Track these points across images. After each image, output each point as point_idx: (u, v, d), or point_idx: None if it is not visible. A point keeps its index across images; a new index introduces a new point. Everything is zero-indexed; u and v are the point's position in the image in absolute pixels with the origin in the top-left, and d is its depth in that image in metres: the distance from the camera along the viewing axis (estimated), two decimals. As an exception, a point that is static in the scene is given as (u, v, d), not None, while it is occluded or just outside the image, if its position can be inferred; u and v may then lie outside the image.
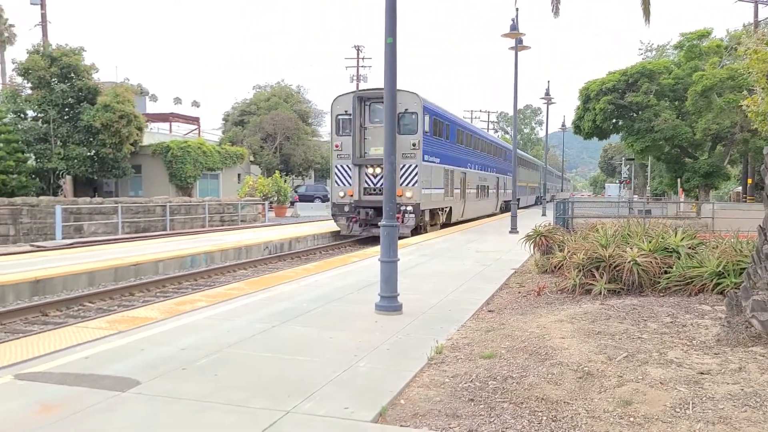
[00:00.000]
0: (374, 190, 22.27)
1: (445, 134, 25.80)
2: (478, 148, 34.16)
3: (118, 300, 11.83)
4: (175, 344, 6.54)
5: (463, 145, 29.71)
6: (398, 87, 18.28)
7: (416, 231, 22.69)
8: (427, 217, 23.44)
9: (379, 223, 8.47)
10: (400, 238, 19.06)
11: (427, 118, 22.46)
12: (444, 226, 26.40)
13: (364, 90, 23.23)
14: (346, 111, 22.46)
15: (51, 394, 4.97)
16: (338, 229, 23.32)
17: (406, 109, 21.80)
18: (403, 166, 21.89)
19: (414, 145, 21.93)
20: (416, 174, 21.88)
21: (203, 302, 8.93)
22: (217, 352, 6.26)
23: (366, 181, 22.47)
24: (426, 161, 22.61)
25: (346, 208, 22.53)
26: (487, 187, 36.35)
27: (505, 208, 39.66)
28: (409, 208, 21.83)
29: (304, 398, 4.93)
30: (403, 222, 21.57)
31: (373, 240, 21.66)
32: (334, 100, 23.04)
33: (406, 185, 21.92)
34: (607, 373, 5.51)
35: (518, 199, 42.59)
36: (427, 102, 22.90)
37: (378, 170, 21.94)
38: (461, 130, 29.57)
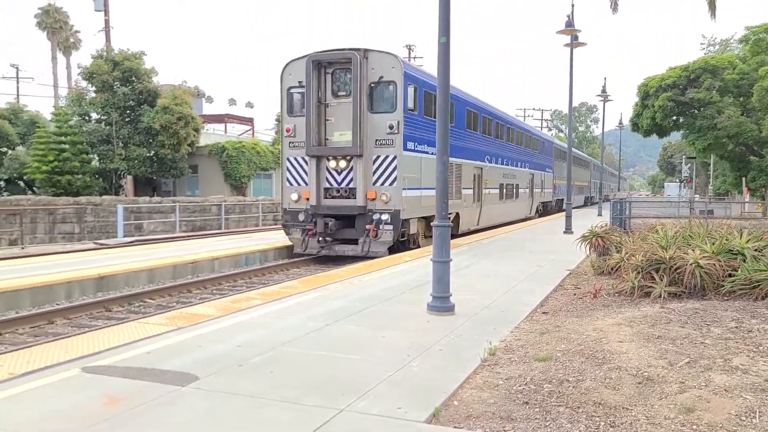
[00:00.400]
0: (338, 191, 16.55)
1: (448, 116, 18.11)
2: (503, 136, 26.89)
3: (177, 297, 12.16)
4: (231, 341, 6.69)
5: (478, 132, 23.10)
6: (379, 49, 15.92)
7: (402, 246, 16.78)
8: (415, 228, 17.50)
9: (432, 223, 8.43)
10: (366, 258, 15.36)
11: (411, 90, 16.53)
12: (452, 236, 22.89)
13: (322, 52, 16.49)
14: (300, 82, 16.62)
15: (116, 387, 5.16)
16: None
17: (381, 78, 16.02)
18: (377, 158, 16.19)
19: (391, 128, 15.99)
20: (394, 169, 16.06)
21: (258, 300, 9.09)
22: (272, 350, 6.36)
23: (327, 180, 16.63)
24: (411, 151, 16.65)
25: (301, 217, 16.82)
26: (516, 186, 29.26)
27: (543, 211, 37.16)
28: (385, 216, 16.04)
29: (357, 397, 4.96)
30: (376, 237, 15.93)
31: (338, 260, 16.52)
32: (285, 68, 17.17)
33: (381, 185, 16.14)
34: (668, 378, 5.35)
35: (559, 200, 39.01)
36: (411, 68, 17.43)
37: (343, 163, 16.41)
38: (474, 112, 22.65)
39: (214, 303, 9.14)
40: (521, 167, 30.50)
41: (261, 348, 6.43)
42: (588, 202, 57.42)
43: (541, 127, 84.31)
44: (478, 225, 23.25)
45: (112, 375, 5.47)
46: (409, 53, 57.01)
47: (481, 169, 23.45)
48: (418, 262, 13.41)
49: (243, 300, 9.18)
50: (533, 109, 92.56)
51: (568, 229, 21.67)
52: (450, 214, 20.15)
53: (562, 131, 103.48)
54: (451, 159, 21.32)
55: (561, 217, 26.59)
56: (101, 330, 7.54)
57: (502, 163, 26.85)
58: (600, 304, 8.88)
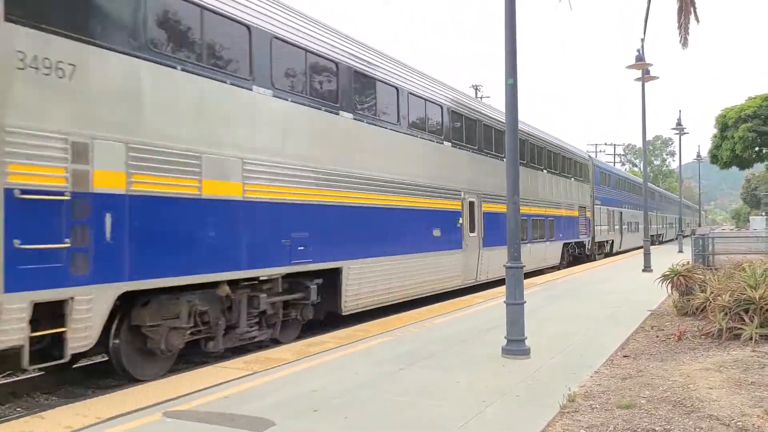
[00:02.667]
0: None
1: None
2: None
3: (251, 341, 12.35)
4: (306, 385, 6.74)
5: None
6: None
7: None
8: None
9: (504, 264, 8.33)
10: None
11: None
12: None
13: None
14: None
15: None
16: None
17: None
18: None
19: None
20: None
21: (331, 343, 9.15)
22: (347, 394, 6.36)
23: None
24: None
25: None
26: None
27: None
28: None
29: (433, 445, 4.88)
30: None
31: (410, 302, 13.65)
32: None
33: None
34: (765, 428, 5.01)
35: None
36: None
37: None
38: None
39: (288, 347, 9.26)
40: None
41: (336, 392, 6.45)
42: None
43: (614, 162, 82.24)
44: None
45: (192, 420, 5.61)
46: (476, 92, 57.30)
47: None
48: (490, 304, 13.19)
49: (317, 343, 9.26)
50: (605, 144, 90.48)
51: (647, 267, 20.86)
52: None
53: (636, 165, 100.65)
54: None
55: (638, 254, 25.62)
56: (181, 374, 7.75)
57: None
58: (685, 347, 8.46)
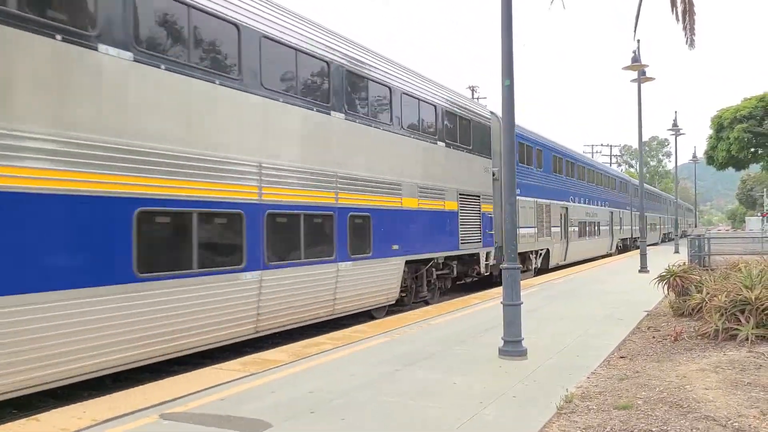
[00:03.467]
0: None
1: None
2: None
3: (248, 342, 12.34)
4: (303, 387, 6.73)
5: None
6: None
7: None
8: None
9: (501, 266, 8.32)
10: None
11: None
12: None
13: None
14: None
15: (191, 433, 5.26)
16: None
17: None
18: None
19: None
20: None
21: (328, 345, 9.14)
22: (343, 396, 6.35)
23: None
24: None
25: None
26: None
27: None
28: None
29: (430, 446, 4.87)
30: None
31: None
32: None
33: None
34: (761, 429, 5.01)
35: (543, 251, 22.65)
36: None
37: None
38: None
39: (285, 348, 9.25)
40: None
41: (333, 394, 6.43)
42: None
43: (610, 163, 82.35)
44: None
45: (188, 422, 5.59)
46: (472, 93, 57.34)
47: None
48: (487, 305, 13.20)
49: (313, 345, 9.25)
50: (601, 144, 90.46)
51: (644, 268, 20.89)
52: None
53: (632, 166, 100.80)
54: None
55: (635, 255, 25.65)
56: (178, 376, 7.73)
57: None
58: (681, 348, 8.47)
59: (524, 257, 19.91)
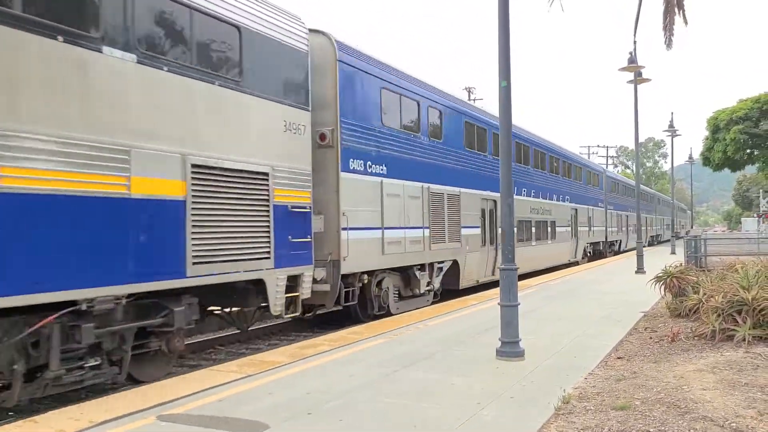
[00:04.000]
0: None
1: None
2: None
3: (246, 343, 12.34)
4: (300, 388, 6.72)
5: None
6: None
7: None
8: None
9: (499, 267, 8.32)
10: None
11: None
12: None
13: None
14: None
15: (189, 435, 5.25)
16: None
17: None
18: None
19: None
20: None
21: (325, 346, 9.13)
22: (341, 397, 6.35)
23: None
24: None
25: None
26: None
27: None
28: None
29: (428, 447, 4.87)
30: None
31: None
32: None
33: None
34: (759, 429, 5.03)
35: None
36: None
37: None
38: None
39: (282, 350, 9.24)
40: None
41: (330, 395, 6.43)
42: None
43: (606, 165, 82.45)
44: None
45: (185, 423, 5.58)
46: (469, 95, 57.41)
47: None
48: (485, 306, 13.21)
49: (311, 346, 9.24)
50: (597, 146, 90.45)
51: (640, 269, 20.96)
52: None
53: (628, 167, 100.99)
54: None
55: (632, 256, 25.68)
56: (175, 377, 7.72)
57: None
58: (679, 349, 8.49)
59: (407, 276, 13.49)
